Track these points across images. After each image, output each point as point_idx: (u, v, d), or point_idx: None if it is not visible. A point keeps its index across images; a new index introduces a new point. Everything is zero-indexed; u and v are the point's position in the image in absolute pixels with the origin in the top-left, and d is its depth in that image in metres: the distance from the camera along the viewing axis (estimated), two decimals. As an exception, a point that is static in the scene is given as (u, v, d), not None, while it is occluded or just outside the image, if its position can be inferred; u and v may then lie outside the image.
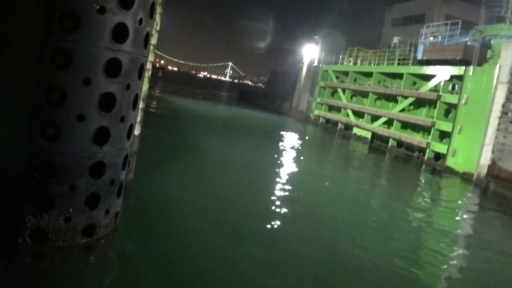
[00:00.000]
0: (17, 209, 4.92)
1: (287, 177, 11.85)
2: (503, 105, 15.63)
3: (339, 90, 30.61)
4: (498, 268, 7.47)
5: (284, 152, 16.79)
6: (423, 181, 16.23)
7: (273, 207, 8.53)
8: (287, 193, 9.89)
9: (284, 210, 8.48)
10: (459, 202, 13.68)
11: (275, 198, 9.27)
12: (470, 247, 8.64)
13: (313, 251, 6.74)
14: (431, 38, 22.91)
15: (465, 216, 11.62)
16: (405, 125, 23.10)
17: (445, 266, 7.25)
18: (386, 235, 8.34)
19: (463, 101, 17.76)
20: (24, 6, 4.82)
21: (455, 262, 7.61)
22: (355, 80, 29.60)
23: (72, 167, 4.96)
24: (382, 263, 6.68)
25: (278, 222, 7.67)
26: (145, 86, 7.53)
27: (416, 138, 21.32)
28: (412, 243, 8.11)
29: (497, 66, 16.16)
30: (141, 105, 7.39)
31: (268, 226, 7.45)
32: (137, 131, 7.63)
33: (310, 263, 6.31)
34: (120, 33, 4.96)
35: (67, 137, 4.88)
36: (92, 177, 5.17)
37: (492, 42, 17.45)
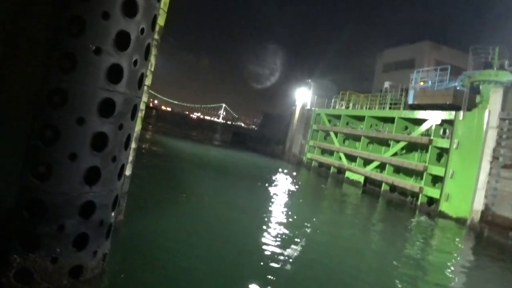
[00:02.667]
0: (3, 247, 4.76)
1: (279, 222, 11.69)
2: (494, 150, 15.79)
3: (332, 134, 30.90)
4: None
5: (276, 196, 16.67)
6: (417, 227, 16.06)
7: (265, 253, 8.36)
8: (279, 238, 9.72)
9: (276, 256, 8.30)
10: (454, 249, 13.50)
11: (266, 243, 9.09)
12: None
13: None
14: (421, 83, 23.43)
15: (460, 265, 11.46)
16: (398, 169, 23.18)
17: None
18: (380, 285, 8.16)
19: (454, 146, 17.95)
20: (23, 46, 4.87)
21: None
22: (347, 123, 29.96)
23: (61, 206, 4.87)
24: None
25: (270, 270, 7.46)
26: (138, 127, 7.53)
27: (408, 183, 21.33)
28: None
29: (486, 111, 16.47)
30: (133, 145, 7.36)
31: (260, 272, 7.26)
32: (128, 171, 7.56)
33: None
34: (115, 73, 5.01)
35: (58, 176, 4.82)
36: (81, 218, 5.07)
37: (480, 87, 17.87)
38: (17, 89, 4.87)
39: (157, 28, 6.87)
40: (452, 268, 10.68)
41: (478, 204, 15.80)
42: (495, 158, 15.69)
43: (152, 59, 7.41)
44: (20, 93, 4.86)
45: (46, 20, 4.80)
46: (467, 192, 16.47)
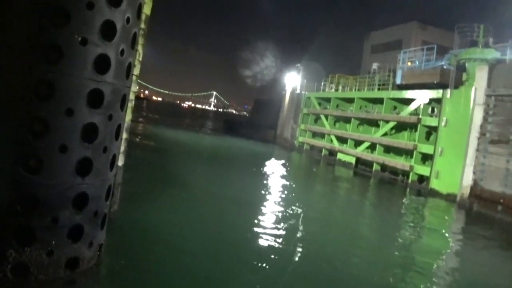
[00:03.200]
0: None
1: (273, 205, 11.83)
2: (481, 126, 16.01)
3: (322, 117, 31.02)
4: None
5: (269, 180, 16.81)
6: (408, 204, 16.34)
7: (259, 243, 8.39)
8: (274, 225, 9.82)
9: (271, 245, 8.35)
10: (444, 224, 13.82)
11: (261, 232, 9.12)
12: (457, 271, 8.67)
13: (302, 279, 6.69)
14: (409, 63, 23.56)
15: (450, 238, 11.74)
16: (388, 149, 23.42)
17: None
18: (373, 262, 8.34)
19: (442, 124, 18.16)
20: (8, 38, 4.85)
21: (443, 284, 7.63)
22: (337, 106, 30.08)
23: (54, 199, 4.89)
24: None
25: (266, 254, 7.51)
26: (128, 117, 7.54)
27: (399, 162, 21.59)
28: (400, 268, 8.10)
29: (473, 88, 16.65)
30: (124, 135, 7.39)
31: (256, 256, 7.35)
32: (120, 162, 7.59)
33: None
34: (102, 64, 5.02)
35: (49, 168, 4.83)
36: (75, 209, 5.10)
37: (466, 65, 18.03)
38: (5, 82, 4.87)
39: (143, 17, 6.86)
40: (443, 245, 10.92)
41: (467, 180, 16.07)
42: (482, 134, 15.92)
43: (140, 49, 7.40)
44: (8, 86, 4.86)
45: (31, 11, 4.77)
46: (456, 169, 16.73)
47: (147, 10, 7.41)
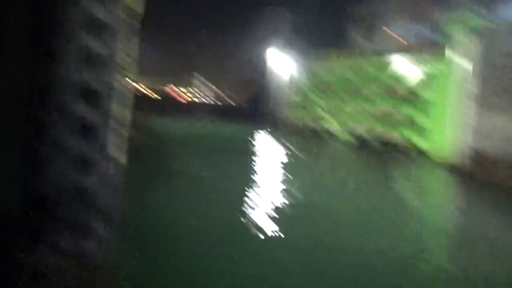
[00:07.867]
0: (11, 250, 4.85)
1: (275, 183, 11.99)
2: (473, 90, 16.13)
3: (311, 93, 31.09)
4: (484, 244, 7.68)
5: (268, 160, 16.95)
6: (405, 174, 16.58)
7: (267, 218, 8.61)
8: (278, 201, 10.02)
9: (277, 217, 8.61)
10: (444, 188, 14.21)
11: (268, 208, 9.31)
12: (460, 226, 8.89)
13: (305, 251, 6.99)
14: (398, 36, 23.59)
15: (453, 200, 12.13)
16: (383, 121, 23.56)
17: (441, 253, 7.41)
18: (377, 229, 8.51)
19: (435, 92, 18.36)
20: (10, 45, 4.86)
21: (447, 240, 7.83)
22: (325, 81, 30.10)
23: (59, 199, 4.93)
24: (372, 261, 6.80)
25: (271, 234, 7.66)
26: (128, 114, 7.52)
27: (393, 132, 21.87)
28: (403, 233, 8.28)
29: (462, 53, 16.71)
30: (123, 132, 7.37)
31: (263, 237, 7.50)
32: (122, 159, 7.59)
33: (307, 266, 6.39)
34: (96, 63, 5.02)
35: (52, 169, 4.88)
36: (81, 208, 5.13)
37: (454, 31, 18.07)
38: (7, 88, 4.89)
39: (135, 14, 6.82)
40: (446, 205, 11.24)
41: (462, 143, 16.29)
42: (475, 98, 16.06)
43: (133, 46, 7.35)
44: (10, 92, 4.87)
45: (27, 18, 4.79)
46: (452, 135, 16.92)
47: (138, 7, 7.33)
